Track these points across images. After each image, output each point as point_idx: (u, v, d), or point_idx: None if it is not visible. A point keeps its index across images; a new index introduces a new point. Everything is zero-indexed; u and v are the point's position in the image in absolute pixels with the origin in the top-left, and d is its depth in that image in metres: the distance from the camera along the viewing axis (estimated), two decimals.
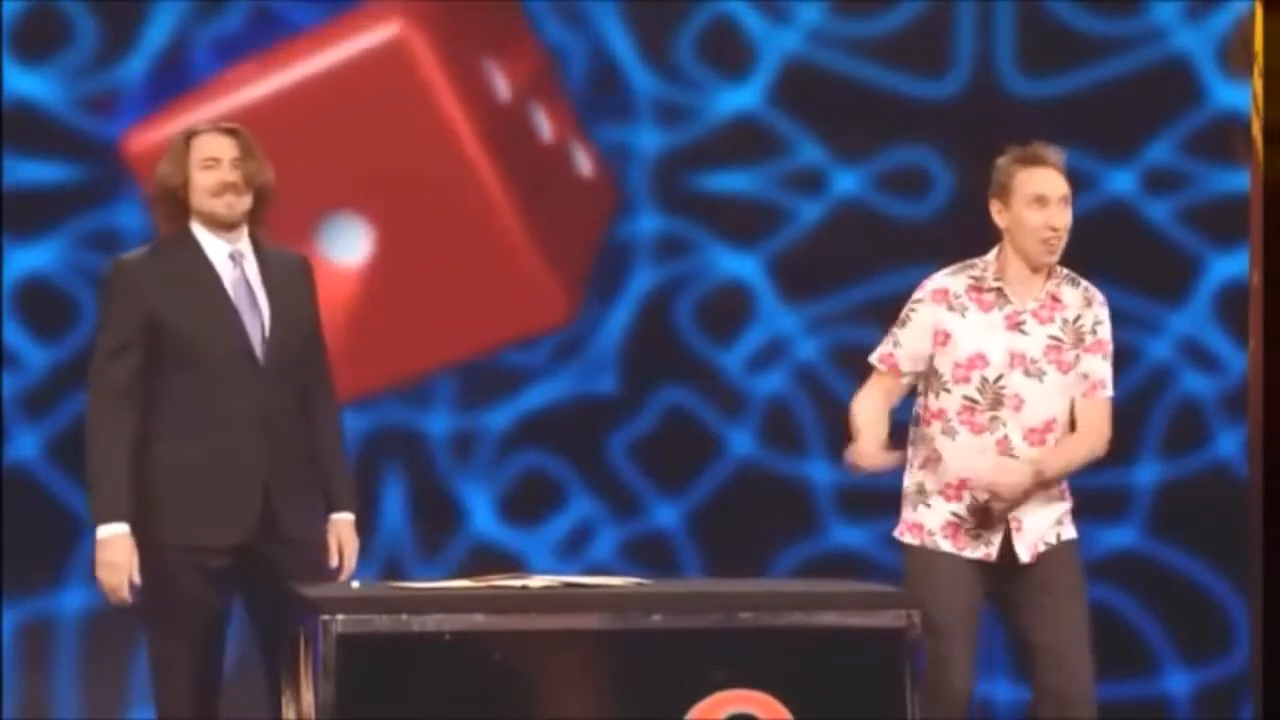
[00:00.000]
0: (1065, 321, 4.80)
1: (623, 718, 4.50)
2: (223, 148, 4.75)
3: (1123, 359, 6.58)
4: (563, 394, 6.41)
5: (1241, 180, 6.58)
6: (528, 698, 4.48)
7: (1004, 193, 4.84)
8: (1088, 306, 4.81)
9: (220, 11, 6.31)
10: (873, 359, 4.90)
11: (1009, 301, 4.80)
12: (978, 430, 4.80)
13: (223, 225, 4.73)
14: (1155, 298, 6.60)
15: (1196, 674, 6.61)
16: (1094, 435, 4.79)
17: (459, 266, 6.27)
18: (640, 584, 4.76)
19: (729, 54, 6.47)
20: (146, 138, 6.21)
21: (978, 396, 4.78)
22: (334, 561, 4.83)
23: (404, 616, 4.47)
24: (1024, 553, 4.84)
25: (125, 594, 4.68)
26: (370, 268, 6.25)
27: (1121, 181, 6.60)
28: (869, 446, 4.73)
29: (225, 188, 4.72)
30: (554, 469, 6.42)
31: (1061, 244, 4.81)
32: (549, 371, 6.35)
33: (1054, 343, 4.78)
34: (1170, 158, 6.60)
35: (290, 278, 4.79)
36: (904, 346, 4.86)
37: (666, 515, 6.47)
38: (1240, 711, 6.59)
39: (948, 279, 4.84)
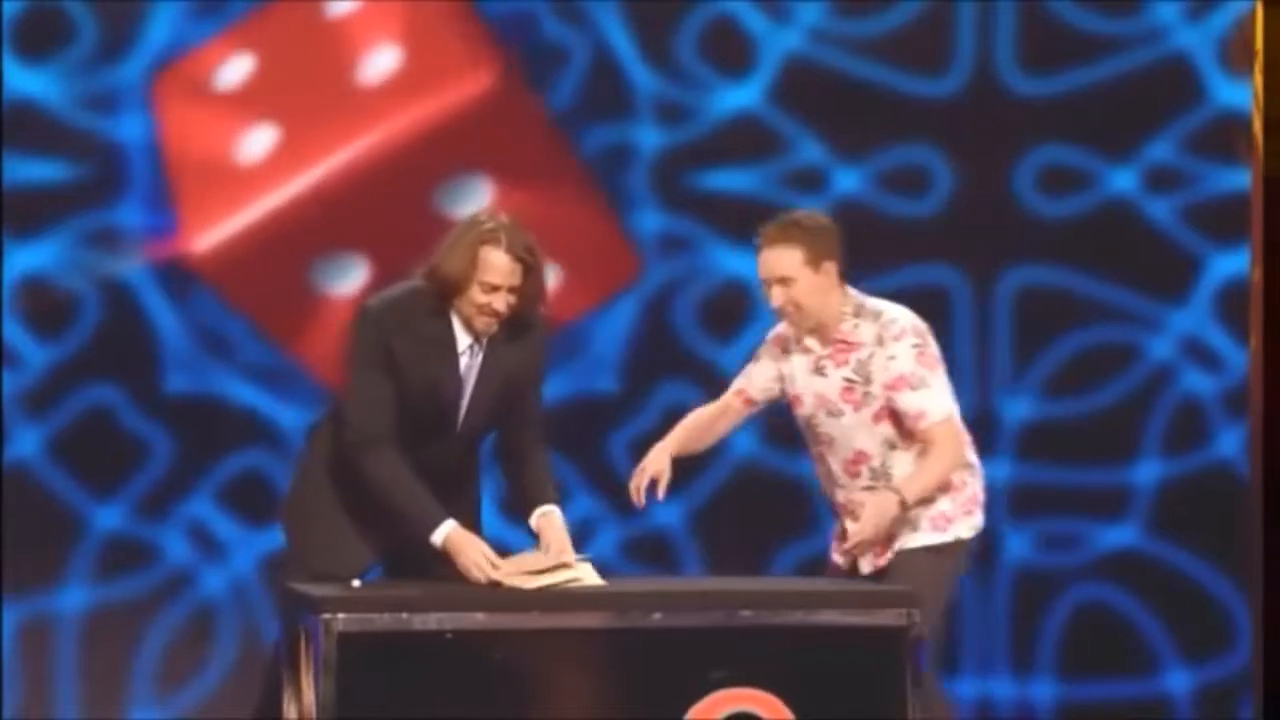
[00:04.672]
0: (859, 362, 4.95)
1: (623, 716, 4.50)
2: (507, 274, 4.69)
3: (1124, 358, 6.61)
4: (564, 392, 6.40)
5: (1242, 178, 6.57)
6: (528, 696, 4.48)
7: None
8: (879, 345, 4.93)
9: (220, 11, 6.32)
10: (731, 391, 5.14)
11: (809, 349, 5.01)
12: (818, 459, 5.09)
13: (473, 333, 4.76)
14: (1156, 296, 6.60)
15: (1197, 672, 6.60)
16: (944, 456, 4.91)
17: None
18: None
19: (730, 53, 6.47)
20: None
21: (805, 433, 5.08)
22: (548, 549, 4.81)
23: (404, 615, 4.48)
24: (864, 565, 5.01)
25: (486, 570, 4.66)
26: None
27: (1122, 180, 6.60)
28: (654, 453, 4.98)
29: (493, 314, 4.72)
30: (555, 467, 6.40)
31: (797, 320, 4.93)
32: (550, 370, 6.34)
33: (848, 384, 4.95)
34: (1171, 156, 6.60)
35: (520, 354, 4.79)
36: (754, 381, 5.13)
37: (667, 514, 6.47)
38: (1241, 710, 6.59)
39: (784, 324, 5.06)
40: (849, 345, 4.93)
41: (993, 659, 6.56)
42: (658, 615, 4.55)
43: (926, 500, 4.94)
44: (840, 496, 5.02)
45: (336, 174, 6.29)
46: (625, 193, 6.47)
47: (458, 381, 4.75)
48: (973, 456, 5.08)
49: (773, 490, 6.39)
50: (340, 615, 4.45)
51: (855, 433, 4.94)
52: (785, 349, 5.03)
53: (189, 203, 6.29)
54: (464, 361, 4.76)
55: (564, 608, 4.56)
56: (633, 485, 5.04)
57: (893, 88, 6.50)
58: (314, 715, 4.50)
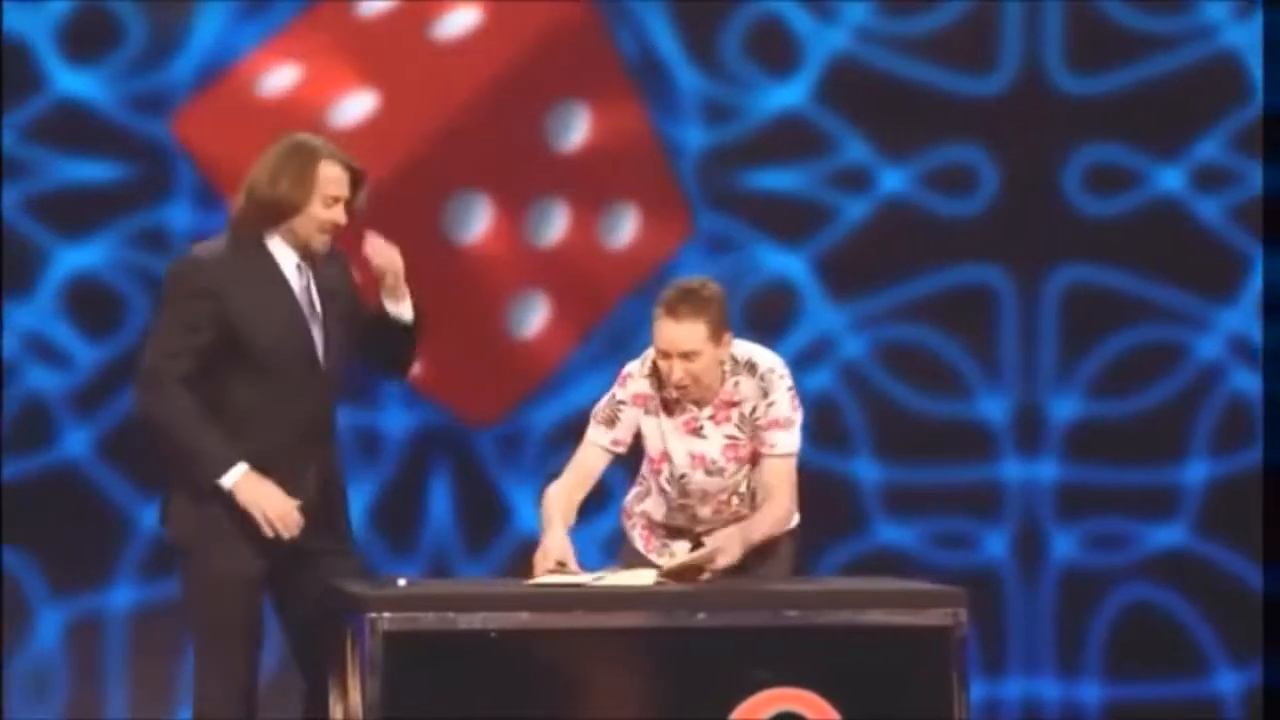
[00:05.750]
0: (742, 416, 4.90)
1: (668, 716, 4.50)
2: (344, 185, 4.73)
3: (1171, 357, 6.58)
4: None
5: None
6: (573, 696, 4.48)
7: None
8: (763, 397, 4.88)
9: (267, 11, 6.35)
10: (607, 442, 4.94)
11: (685, 409, 4.90)
12: (674, 506, 4.98)
13: (308, 254, 4.74)
14: (1204, 295, 6.57)
15: (1246, 673, 6.56)
16: (781, 502, 4.88)
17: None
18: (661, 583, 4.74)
19: (775, 52, 6.46)
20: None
21: (668, 489, 4.95)
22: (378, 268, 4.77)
23: (450, 614, 4.47)
24: (663, 565, 4.94)
25: (296, 518, 4.63)
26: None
27: (1170, 179, 6.57)
28: (556, 542, 4.80)
29: (334, 228, 4.73)
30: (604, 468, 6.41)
31: (692, 393, 4.84)
32: (594, 369, 6.34)
33: (731, 441, 4.90)
34: (1219, 155, 6.57)
35: (336, 278, 4.82)
36: (623, 436, 4.94)
37: None
38: None
39: (643, 381, 4.93)
40: (733, 404, 4.89)
41: (1039, 660, 6.54)
42: (702, 615, 4.54)
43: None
44: (699, 528, 4.97)
45: (442, 122, 6.32)
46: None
47: (295, 302, 4.70)
48: None
49: (819, 489, 6.36)
50: (386, 614, 4.44)
51: (730, 481, 4.93)
52: (649, 409, 4.91)
53: None
54: (296, 283, 4.72)
55: (608, 607, 4.55)
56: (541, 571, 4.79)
57: (939, 86, 6.48)
58: (360, 714, 4.49)
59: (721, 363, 4.86)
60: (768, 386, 4.87)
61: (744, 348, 4.93)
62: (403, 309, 4.80)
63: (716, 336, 4.82)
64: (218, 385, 4.67)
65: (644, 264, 6.46)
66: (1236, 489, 6.56)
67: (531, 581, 4.72)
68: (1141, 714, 6.55)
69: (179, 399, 4.62)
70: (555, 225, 6.44)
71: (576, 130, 6.42)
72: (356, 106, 6.34)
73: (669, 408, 4.90)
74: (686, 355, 4.80)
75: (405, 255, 4.82)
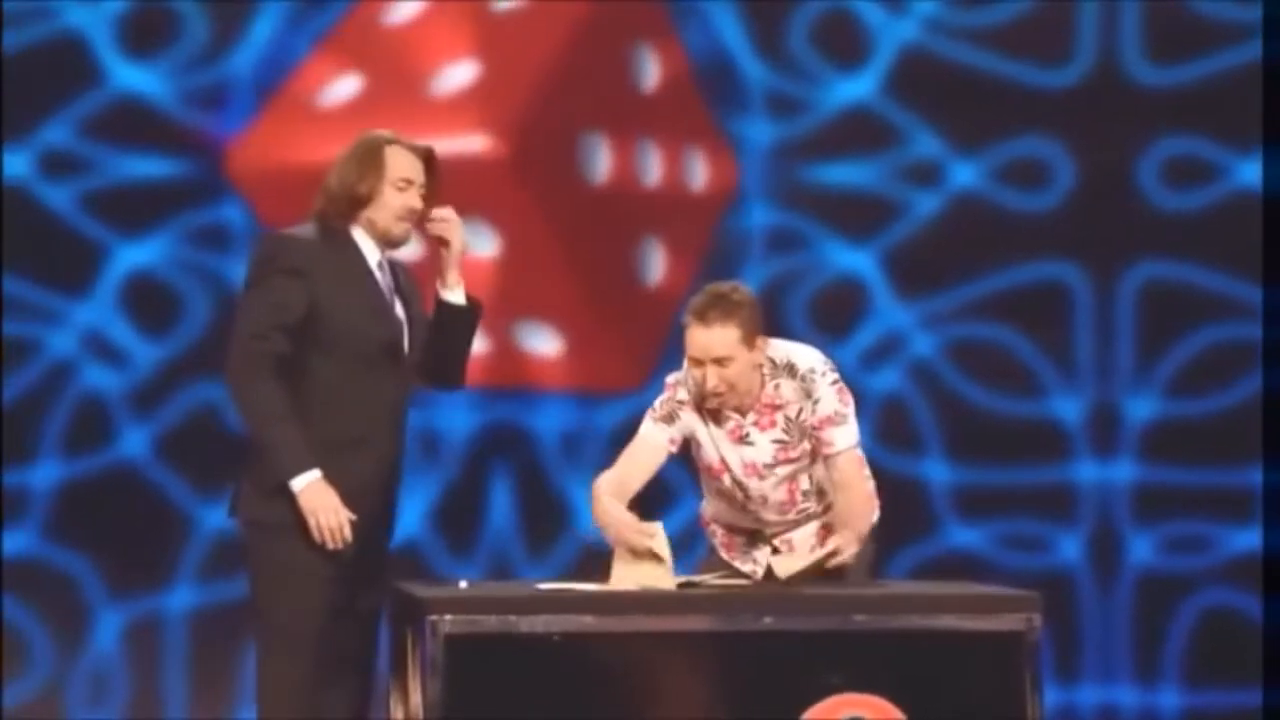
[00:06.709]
0: (789, 420, 4.85)
1: None
2: (417, 170, 4.74)
3: (1249, 355, 6.48)
4: None
5: None
6: (636, 700, 4.45)
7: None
8: (807, 398, 4.83)
9: (323, 8, 6.34)
10: (665, 440, 4.90)
11: (729, 417, 4.87)
12: (737, 508, 4.96)
13: (390, 244, 4.75)
14: None
15: None
16: (863, 503, 4.87)
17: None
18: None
19: (843, 44, 6.44)
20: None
21: (731, 493, 4.93)
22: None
23: (512, 617, 4.46)
24: (783, 571, 4.87)
25: (346, 533, 4.60)
26: None
27: (1249, 172, 6.50)
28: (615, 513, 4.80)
29: (411, 214, 4.74)
30: (664, 468, 6.34)
31: (728, 399, 4.81)
32: (657, 369, 6.29)
33: (780, 445, 4.87)
34: None
35: (410, 281, 4.84)
36: (677, 435, 4.91)
37: None
38: None
39: (685, 391, 4.91)
40: (776, 408, 4.84)
41: (1115, 666, 6.47)
42: (768, 619, 4.50)
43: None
44: (768, 530, 4.95)
45: (540, 81, 6.36)
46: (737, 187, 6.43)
47: (379, 289, 4.72)
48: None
49: (888, 490, 6.29)
50: (448, 617, 4.43)
51: (786, 482, 4.89)
52: (702, 418, 4.87)
53: None
54: (380, 278, 4.74)
55: (672, 611, 4.52)
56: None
57: (1012, 78, 6.44)
58: (420, 716, 4.49)
59: (759, 366, 4.81)
60: (810, 387, 4.83)
61: (782, 349, 4.87)
62: (456, 293, 4.81)
63: (749, 341, 4.78)
64: (300, 366, 4.65)
65: (715, 204, 6.43)
66: None
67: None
68: None
69: (264, 387, 4.61)
70: (654, 167, 6.43)
71: (650, 73, 6.41)
72: (456, 77, 6.32)
73: (715, 417, 4.88)
74: (720, 361, 4.77)
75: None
